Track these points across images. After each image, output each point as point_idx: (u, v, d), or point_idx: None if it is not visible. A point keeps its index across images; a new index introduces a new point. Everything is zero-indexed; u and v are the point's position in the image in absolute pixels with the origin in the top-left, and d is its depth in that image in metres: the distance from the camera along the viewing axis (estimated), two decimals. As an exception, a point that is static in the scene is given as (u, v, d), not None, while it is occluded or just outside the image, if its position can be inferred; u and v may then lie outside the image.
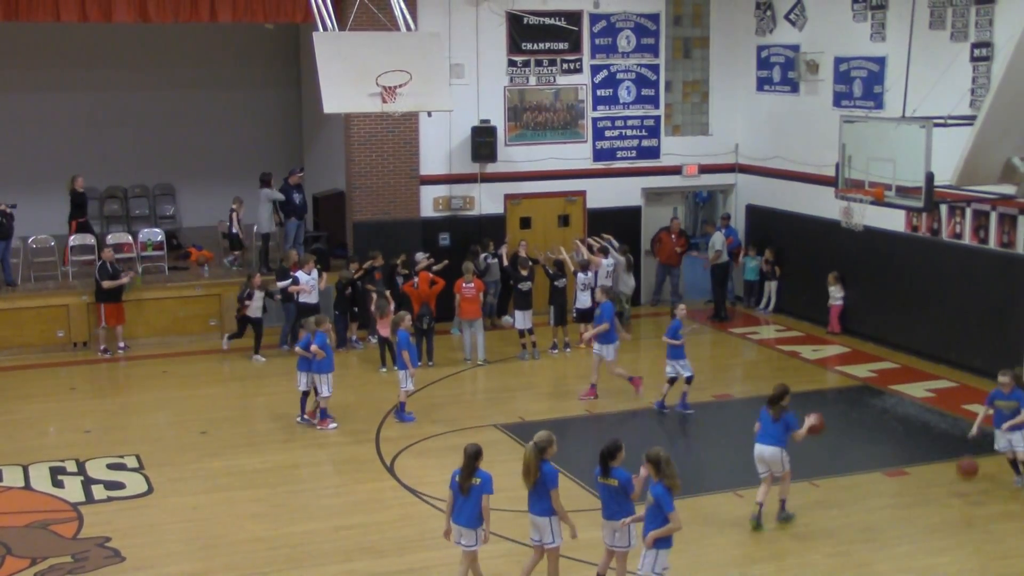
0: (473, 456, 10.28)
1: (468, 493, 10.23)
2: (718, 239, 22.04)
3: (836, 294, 20.21)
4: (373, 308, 18.72)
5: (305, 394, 15.75)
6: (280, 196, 21.04)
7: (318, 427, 15.64)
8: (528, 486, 10.29)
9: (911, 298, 18.94)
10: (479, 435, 15.19)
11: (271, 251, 21.49)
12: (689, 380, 16.18)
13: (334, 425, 15.69)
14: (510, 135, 21.74)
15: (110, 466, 14.35)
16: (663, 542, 10.01)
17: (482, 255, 20.33)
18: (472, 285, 18.71)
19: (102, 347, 19.37)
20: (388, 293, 19.28)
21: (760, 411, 12.47)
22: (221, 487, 13.70)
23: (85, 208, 21.69)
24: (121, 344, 19.56)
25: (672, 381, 16.20)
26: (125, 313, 19.53)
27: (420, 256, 19.95)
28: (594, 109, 22.19)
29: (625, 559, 10.53)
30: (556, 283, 19.55)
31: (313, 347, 15.44)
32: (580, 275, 19.50)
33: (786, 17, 21.62)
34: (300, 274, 19.02)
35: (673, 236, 22.34)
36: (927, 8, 18.08)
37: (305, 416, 15.83)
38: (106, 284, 19.07)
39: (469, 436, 15.12)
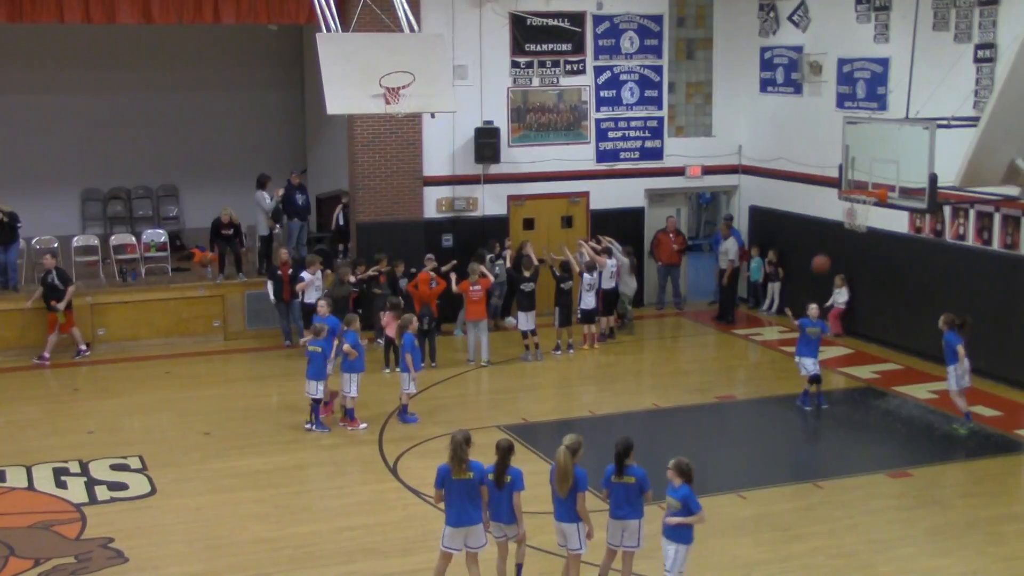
0: (505, 452, 10.37)
1: (503, 488, 10.29)
2: (732, 247, 21.99)
3: (840, 296, 20.17)
4: (388, 308, 18.45)
5: (316, 401, 15.67)
6: (268, 204, 20.97)
7: (348, 428, 15.61)
8: (563, 493, 10.22)
9: (914, 299, 18.92)
10: (482, 436, 15.12)
11: (273, 252, 21.46)
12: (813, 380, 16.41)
13: (364, 425, 15.69)
14: (513, 136, 21.74)
15: (113, 467, 14.36)
16: (685, 536, 10.07)
17: (488, 257, 20.32)
18: (479, 287, 18.69)
19: (43, 354, 19.03)
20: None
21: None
22: (224, 488, 13.71)
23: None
24: (82, 347, 19.34)
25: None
26: (75, 315, 19.33)
27: (428, 258, 19.91)
28: (597, 110, 22.19)
29: (632, 559, 10.53)
30: (562, 285, 19.54)
31: (346, 347, 15.47)
32: (586, 276, 19.50)
33: (789, 18, 21.62)
34: (305, 274, 19.04)
35: (670, 235, 22.34)
36: (931, 9, 18.08)
37: (319, 420, 15.68)
38: (57, 305, 18.77)
39: (472, 437, 15.13)
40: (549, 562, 11.49)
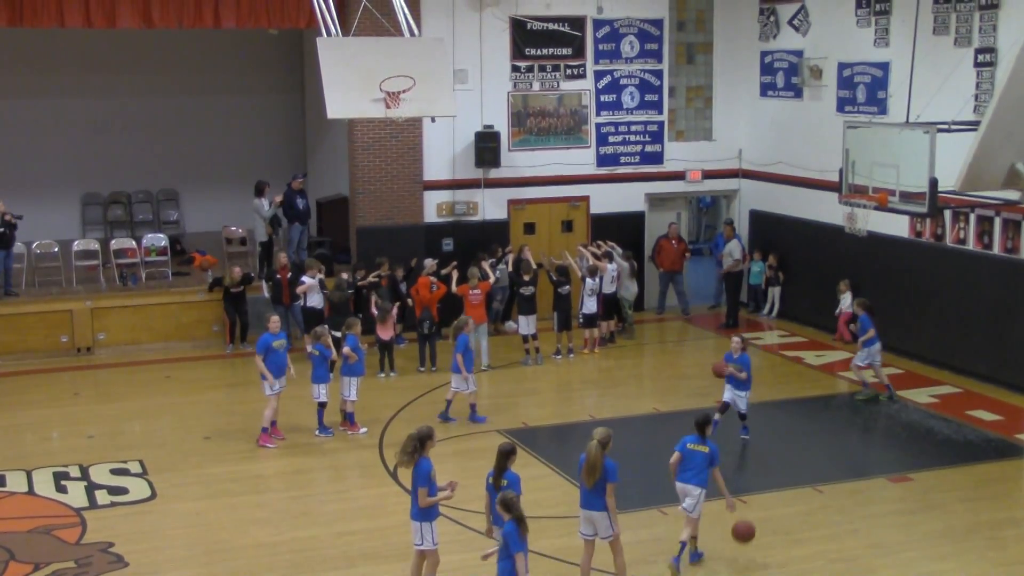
0: (504, 455, 10.46)
1: (500, 491, 10.29)
2: (735, 248, 22.01)
3: (845, 302, 20.12)
4: (374, 311, 18.53)
5: (322, 405, 15.65)
6: (266, 211, 20.93)
7: (348, 432, 15.61)
8: (590, 484, 10.47)
9: (915, 304, 18.92)
10: (483, 441, 15.20)
11: (273, 257, 21.44)
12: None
13: (364, 429, 15.70)
14: (513, 140, 21.75)
15: (113, 471, 14.36)
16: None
17: (489, 261, 20.31)
18: (478, 291, 18.69)
19: None
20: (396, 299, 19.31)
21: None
22: (224, 492, 13.70)
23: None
24: None
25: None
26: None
27: (428, 262, 19.92)
28: (597, 114, 22.20)
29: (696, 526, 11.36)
30: (560, 290, 19.53)
31: (346, 349, 15.48)
32: (588, 281, 19.49)
33: (789, 23, 21.62)
34: (305, 278, 19.04)
35: (673, 242, 22.33)
36: (931, 14, 18.08)
37: (327, 428, 15.68)
38: None
39: (472, 442, 15.16)
40: (550, 564, 11.49)
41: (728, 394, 15.16)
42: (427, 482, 10.33)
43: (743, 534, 11.48)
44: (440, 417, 16.01)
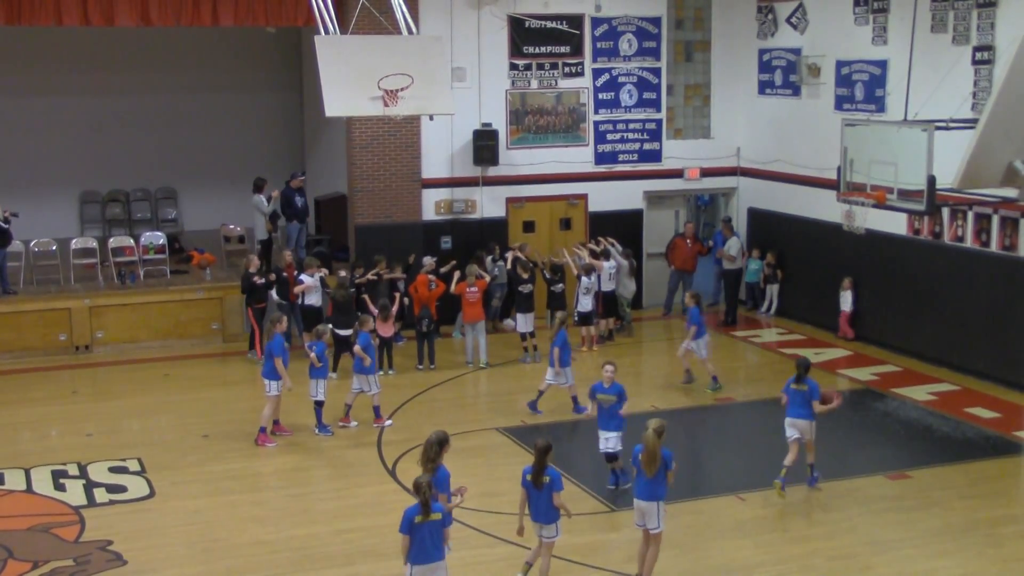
0: (544, 452, 10.45)
1: (541, 488, 10.40)
2: (735, 244, 22.01)
3: (846, 300, 20.12)
4: (378, 309, 18.51)
5: (320, 404, 15.66)
6: (265, 208, 20.91)
7: (375, 425, 15.70)
8: (651, 473, 10.58)
9: (913, 301, 18.93)
10: (481, 439, 15.22)
11: (273, 255, 21.45)
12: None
13: (389, 422, 15.82)
14: (512, 138, 21.75)
15: (112, 469, 14.35)
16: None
17: (488, 258, 20.32)
18: (475, 289, 18.69)
19: None
20: (398, 295, 19.28)
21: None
22: (223, 490, 13.70)
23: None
24: None
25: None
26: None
27: (427, 260, 19.91)
28: (596, 112, 22.19)
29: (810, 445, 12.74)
30: (553, 288, 19.54)
31: (356, 348, 15.60)
32: (584, 279, 19.49)
33: (787, 20, 21.63)
34: (304, 276, 19.04)
35: (688, 242, 22.28)
36: (928, 11, 18.09)
37: (326, 426, 15.71)
38: None
39: (471, 440, 15.15)
40: (553, 565, 11.49)
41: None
42: (448, 488, 10.31)
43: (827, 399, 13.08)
44: (529, 406, 16.20)
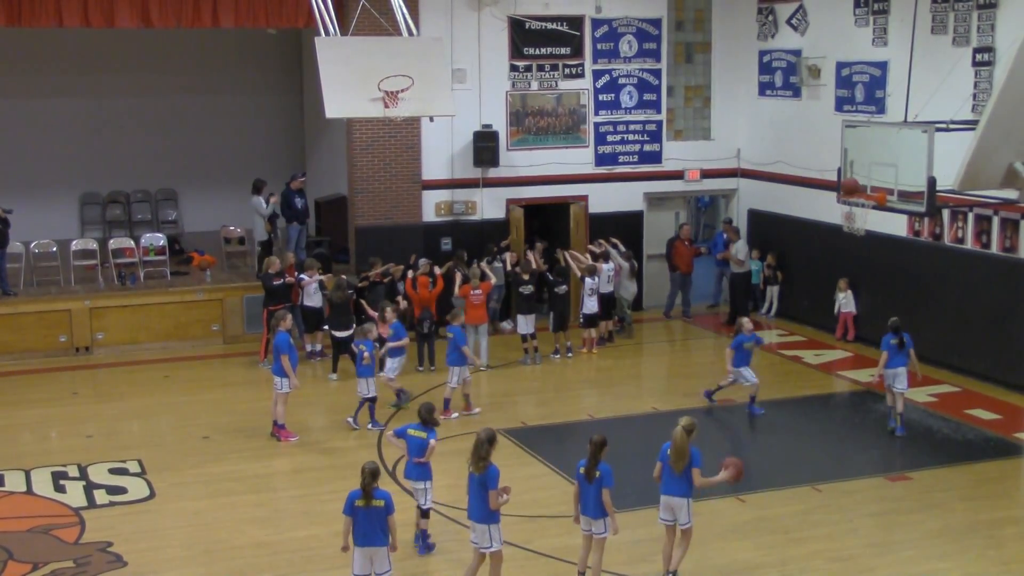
0: (599, 446, 10.53)
1: (592, 482, 10.49)
2: (742, 248, 21.96)
3: (844, 300, 20.09)
4: (377, 311, 18.50)
5: (372, 400, 15.85)
6: (264, 209, 20.88)
7: (441, 417, 15.72)
8: (679, 470, 10.76)
9: (913, 303, 18.92)
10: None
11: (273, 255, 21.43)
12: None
13: (455, 415, 16.23)
14: (512, 140, 21.75)
15: (112, 471, 14.35)
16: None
17: (485, 259, 20.31)
18: (480, 291, 18.66)
19: None
20: (399, 297, 19.27)
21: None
22: (223, 492, 13.69)
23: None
24: None
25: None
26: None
27: (423, 262, 19.89)
28: (596, 114, 22.20)
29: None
30: (556, 289, 19.53)
31: (366, 354, 15.77)
32: (588, 280, 19.47)
33: (788, 22, 21.63)
34: (303, 277, 19.03)
35: (686, 243, 22.29)
36: (929, 13, 18.09)
37: (377, 421, 15.92)
38: None
39: (471, 441, 15.11)
40: (549, 564, 11.49)
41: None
42: (497, 484, 10.38)
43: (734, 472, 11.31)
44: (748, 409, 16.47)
